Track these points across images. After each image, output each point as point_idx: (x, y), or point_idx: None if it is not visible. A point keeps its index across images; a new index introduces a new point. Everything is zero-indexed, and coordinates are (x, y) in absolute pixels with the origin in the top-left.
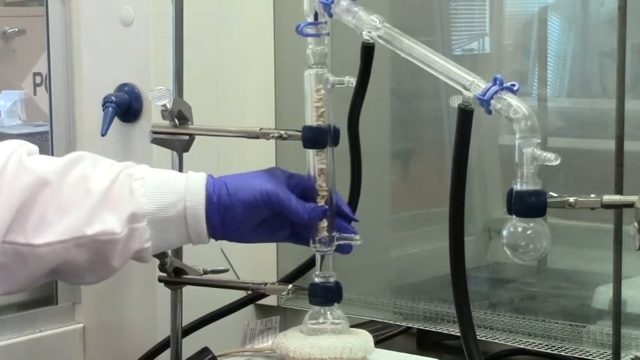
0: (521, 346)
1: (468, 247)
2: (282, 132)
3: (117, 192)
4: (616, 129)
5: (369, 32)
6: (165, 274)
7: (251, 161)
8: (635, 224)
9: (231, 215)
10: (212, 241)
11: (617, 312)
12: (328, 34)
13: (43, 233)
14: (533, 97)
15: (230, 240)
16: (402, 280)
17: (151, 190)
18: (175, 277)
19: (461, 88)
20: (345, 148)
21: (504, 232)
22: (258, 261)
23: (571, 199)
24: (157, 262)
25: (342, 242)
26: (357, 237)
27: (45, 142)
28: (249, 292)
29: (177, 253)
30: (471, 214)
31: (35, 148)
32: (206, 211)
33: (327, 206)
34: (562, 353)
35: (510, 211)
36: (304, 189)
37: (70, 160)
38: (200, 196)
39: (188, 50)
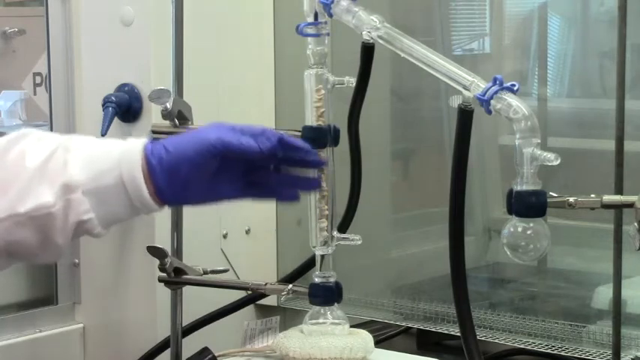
0: (521, 346)
1: (468, 247)
2: (282, 132)
3: (52, 166)
4: (616, 129)
5: (369, 32)
6: (165, 274)
7: None
8: (635, 224)
9: (176, 175)
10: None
11: (617, 312)
12: (328, 34)
13: None
14: (533, 97)
15: (183, 203)
16: (402, 280)
17: (84, 160)
18: (175, 277)
19: (461, 88)
20: (345, 148)
21: (504, 232)
22: (258, 261)
23: (571, 199)
24: (157, 262)
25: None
26: (357, 237)
27: None
28: (249, 292)
29: (178, 253)
30: (471, 214)
31: None
32: (150, 176)
33: (279, 133)
34: (562, 353)
35: (510, 211)
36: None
37: (12, 137)
38: (136, 162)
39: (188, 50)
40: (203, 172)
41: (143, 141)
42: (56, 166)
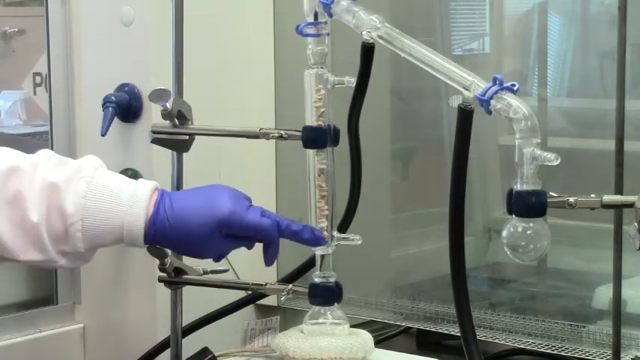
0: (521, 346)
1: (468, 247)
2: (282, 132)
3: (52, 230)
4: (616, 129)
5: (369, 32)
6: (165, 274)
7: (251, 161)
8: (635, 224)
9: (177, 244)
10: None
11: (617, 312)
12: (328, 34)
13: None
14: (533, 97)
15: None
16: (402, 280)
17: (87, 234)
18: (175, 277)
19: (461, 88)
20: (345, 148)
21: (504, 232)
22: (258, 261)
23: (571, 199)
24: (157, 262)
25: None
26: (357, 237)
27: (45, 142)
28: (249, 292)
29: None
30: (471, 214)
31: None
32: (149, 240)
33: (290, 221)
34: (562, 353)
35: (510, 211)
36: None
37: (5, 169)
38: (139, 235)
39: (188, 50)
40: (204, 241)
41: (146, 206)
42: (56, 230)
